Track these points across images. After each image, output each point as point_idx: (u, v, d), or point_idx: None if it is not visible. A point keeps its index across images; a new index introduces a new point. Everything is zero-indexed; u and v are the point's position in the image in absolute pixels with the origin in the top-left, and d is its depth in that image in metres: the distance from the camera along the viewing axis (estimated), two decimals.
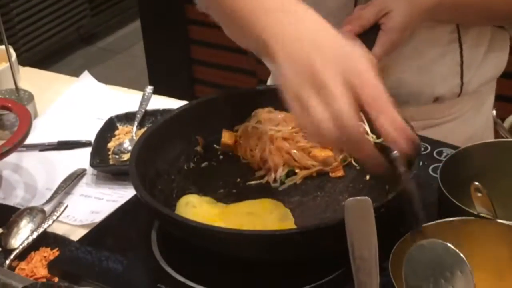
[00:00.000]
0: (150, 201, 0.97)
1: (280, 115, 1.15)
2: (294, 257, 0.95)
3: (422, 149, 1.17)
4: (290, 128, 1.12)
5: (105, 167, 1.27)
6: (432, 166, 1.14)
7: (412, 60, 1.26)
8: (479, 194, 0.88)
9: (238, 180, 1.12)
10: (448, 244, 0.73)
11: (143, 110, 1.37)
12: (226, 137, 1.16)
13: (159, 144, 1.11)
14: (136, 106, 1.38)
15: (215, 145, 1.17)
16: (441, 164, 1.02)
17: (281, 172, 1.10)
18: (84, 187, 1.24)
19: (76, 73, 1.59)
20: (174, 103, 1.41)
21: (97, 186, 1.24)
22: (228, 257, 0.96)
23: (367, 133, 1.11)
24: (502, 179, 1.03)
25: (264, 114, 1.16)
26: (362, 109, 0.83)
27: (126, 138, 1.32)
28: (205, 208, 1.04)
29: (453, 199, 0.93)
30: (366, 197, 0.81)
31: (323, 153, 1.11)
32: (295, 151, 1.11)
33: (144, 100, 1.39)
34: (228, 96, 1.19)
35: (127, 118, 1.37)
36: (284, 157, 1.11)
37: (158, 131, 1.11)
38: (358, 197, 0.82)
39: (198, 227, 0.93)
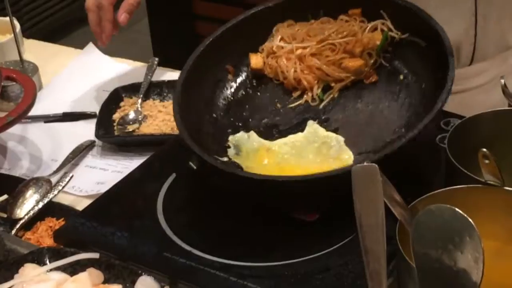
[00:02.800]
0: (213, 162, 0.98)
1: (302, 29, 1.15)
2: None
3: None
4: (315, 43, 1.12)
5: (110, 138, 1.26)
6: (439, 136, 1.13)
7: None
8: (487, 161, 0.88)
9: (278, 105, 1.13)
10: (456, 209, 0.72)
11: (148, 81, 1.36)
12: (254, 61, 1.16)
13: (194, 86, 1.11)
14: (141, 78, 1.38)
15: (245, 70, 1.17)
16: (448, 133, 1.02)
17: (316, 90, 1.12)
18: (89, 158, 1.24)
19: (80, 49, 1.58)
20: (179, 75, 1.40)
21: (102, 157, 1.24)
22: (239, 223, 0.98)
23: (391, 30, 1.12)
24: (510, 148, 1.02)
25: (286, 29, 1.16)
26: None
27: (131, 109, 1.31)
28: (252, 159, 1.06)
29: (460, 167, 0.93)
30: (373, 164, 0.80)
31: (354, 63, 1.11)
32: (325, 66, 1.11)
33: (150, 72, 1.38)
34: (245, 20, 1.18)
35: (133, 89, 1.36)
36: (316, 74, 1.12)
37: (190, 74, 1.11)
38: (365, 164, 0.81)
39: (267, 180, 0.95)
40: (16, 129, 1.25)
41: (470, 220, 0.71)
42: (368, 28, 1.13)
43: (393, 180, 0.83)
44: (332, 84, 1.12)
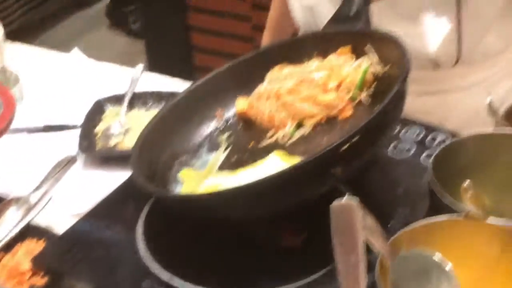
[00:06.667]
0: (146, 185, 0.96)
1: (287, 69, 1.12)
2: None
3: (416, 133, 1.15)
4: (295, 80, 1.09)
5: (93, 152, 1.24)
6: (424, 154, 1.11)
7: (406, 22, 1.23)
8: (470, 193, 0.86)
9: (252, 144, 1.09)
10: (432, 256, 0.71)
11: (132, 92, 1.34)
12: (240, 104, 1.14)
13: (174, 127, 1.10)
14: (128, 83, 1.35)
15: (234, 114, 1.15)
16: (433, 155, 1.00)
17: (289, 127, 1.07)
18: (70, 174, 1.21)
19: (71, 38, 1.54)
20: (167, 81, 1.41)
21: (84, 172, 1.22)
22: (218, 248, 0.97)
23: (375, 65, 1.08)
24: (497, 172, 1.00)
25: (274, 72, 1.13)
26: None
27: (115, 121, 1.29)
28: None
29: (444, 192, 0.91)
30: (352, 201, 0.78)
31: (325, 97, 1.06)
32: (298, 102, 1.07)
33: (133, 81, 1.36)
34: (240, 64, 1.17)
35: (116, 99, 1.34)
36: (289, 111, 1.08)
37: (172, 112, 1.10)
38: (344, 200, 0.79)
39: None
40: None
41: (446, 267, 0.70)
42: (354, 65, 1.08)
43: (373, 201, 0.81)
44: (305, 121, 1.07)
